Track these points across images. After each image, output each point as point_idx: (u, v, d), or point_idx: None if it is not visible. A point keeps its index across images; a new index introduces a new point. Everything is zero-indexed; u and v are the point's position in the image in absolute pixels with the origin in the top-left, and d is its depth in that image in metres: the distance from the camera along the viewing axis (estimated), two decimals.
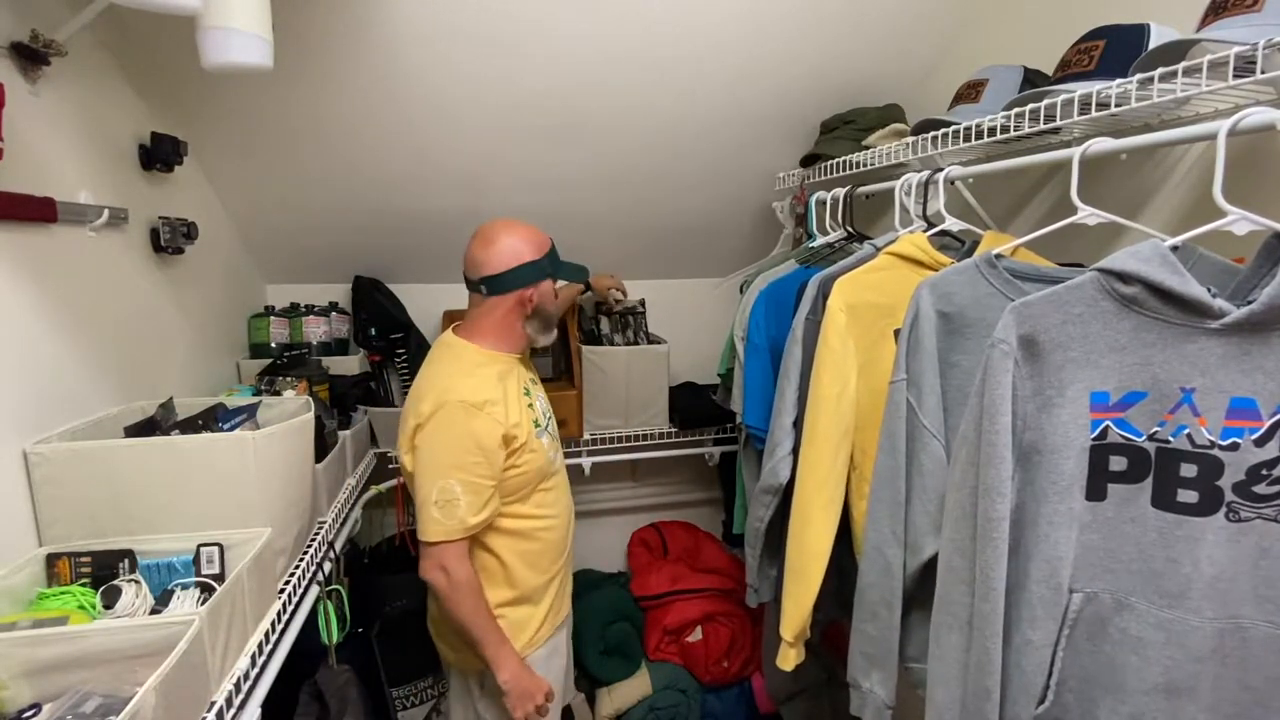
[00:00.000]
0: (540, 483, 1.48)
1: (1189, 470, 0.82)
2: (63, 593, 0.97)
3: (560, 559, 1.55)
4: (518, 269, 1.42)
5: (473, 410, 1.34)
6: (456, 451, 1.33)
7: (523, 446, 1.41)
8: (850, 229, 1.67)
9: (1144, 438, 0.85)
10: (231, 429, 1.26)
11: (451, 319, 2.20)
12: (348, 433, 1.76)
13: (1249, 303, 0.78)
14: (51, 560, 1.01)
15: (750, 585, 1.59)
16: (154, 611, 0.98)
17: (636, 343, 2.30)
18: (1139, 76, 0.96)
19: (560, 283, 1.56)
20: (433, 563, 1.35)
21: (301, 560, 1.33)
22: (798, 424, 1.35)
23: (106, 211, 1.24)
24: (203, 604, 0.95)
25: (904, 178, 1.41)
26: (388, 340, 2.14)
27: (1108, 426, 0.86)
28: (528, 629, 1.48)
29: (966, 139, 1.30)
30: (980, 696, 0.90)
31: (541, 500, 1.49)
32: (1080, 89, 1.05)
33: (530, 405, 1.49)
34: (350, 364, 2.05)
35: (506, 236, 1.43)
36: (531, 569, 1.47)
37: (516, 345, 1.50)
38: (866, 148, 1.65)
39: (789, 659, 1.33)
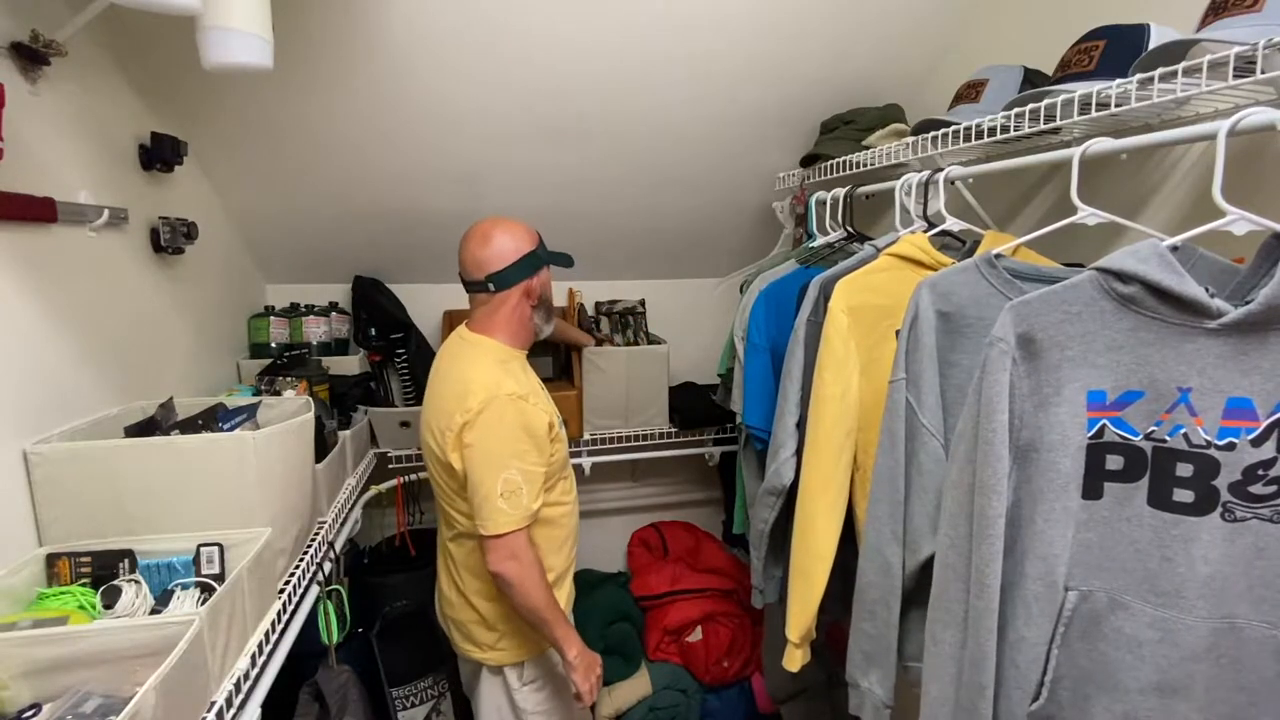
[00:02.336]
0: (563, 470, 1.54)
1: (1185, 470, 0.82)
2: (63, 593, 0.97)
3: (575, 544, 1.61)
4: (520, 261, 1.47)
5: (520, 401, 1.39)
6: (512, 441, 1.37)
7: (557, 436, 1.47)
8: (850, 229, 1.67)
9: (1141, 437, 0.84)
10: (231, 429, 1.26)
11: (451, 319, 2.21)
12: (348, 433, 1.77)
13: (1247, 303, 0.78)
14: (51, 560, 1.02)
15: (755, 587, 1.60)
16: (154, 611, 0.98)
17: (636, 343, 2.31)
18: (1139, 76, 0.96)
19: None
20: (504, 553, 1.36)
21: (301, 560, 1.34)
22: (801, 426, 1.35)
23: (106, 211, 1.24)
24: (203, 604, 0.95)
25: (904, 178, 1.41)
26: (388, 340, 2.14)
27: (1104, 425, 0.86)
28: None
29: (966, 139, 1.31)
30: (974, 692, 0.90)
31: (564, 487, 1.55)
32: (1080, 89, 1.05)
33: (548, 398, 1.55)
34: (350, 364, 2.05)
35: (502, 232, 1.47)
36: (556, 554, 1.52)
37: (527, 339, 1.56)
38: (866, 148, 1.65)
39: (795, 660, 1.33)
